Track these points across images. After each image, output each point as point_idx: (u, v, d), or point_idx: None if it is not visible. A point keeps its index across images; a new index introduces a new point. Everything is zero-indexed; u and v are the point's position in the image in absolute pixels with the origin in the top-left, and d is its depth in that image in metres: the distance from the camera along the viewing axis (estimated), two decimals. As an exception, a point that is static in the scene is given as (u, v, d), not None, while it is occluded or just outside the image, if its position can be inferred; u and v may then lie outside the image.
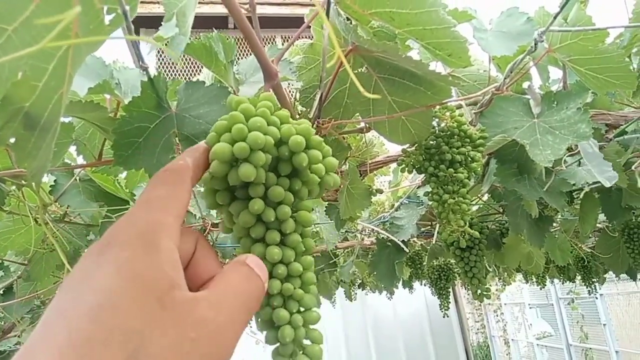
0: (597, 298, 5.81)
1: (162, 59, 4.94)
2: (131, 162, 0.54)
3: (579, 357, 6.47)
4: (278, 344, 0.39)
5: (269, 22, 5.12)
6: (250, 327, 0.98)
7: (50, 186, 0.88)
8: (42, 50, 0.40)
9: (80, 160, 0.80)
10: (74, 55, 0.42)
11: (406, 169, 0.83)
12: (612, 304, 5.97)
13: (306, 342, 0.40)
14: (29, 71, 0.40)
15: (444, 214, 0.82)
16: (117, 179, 0.94)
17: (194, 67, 4.97)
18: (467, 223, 0.83)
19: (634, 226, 1.58)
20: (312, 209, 0.91)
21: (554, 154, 0.72)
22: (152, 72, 0.55)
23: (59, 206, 0.93)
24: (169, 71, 5.01)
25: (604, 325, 5.90)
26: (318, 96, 0.71)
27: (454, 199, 0.80)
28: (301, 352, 0.40)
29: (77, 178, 0.90)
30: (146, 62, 0.56)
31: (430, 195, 0.83)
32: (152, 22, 4.42)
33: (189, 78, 0.57)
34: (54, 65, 0.41)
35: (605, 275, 2.69)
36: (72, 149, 0.80)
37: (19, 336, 1.55)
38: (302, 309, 0.41)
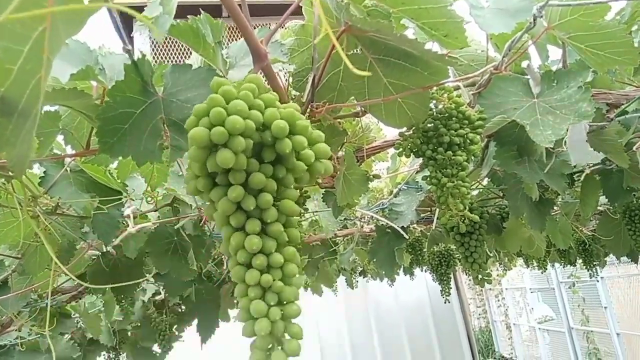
0: (598, 281, 5.83)
1: (155, 47, 4.89)
2: (117, 150, 0.52)
3: (580, 340, 6.51)
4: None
5: (262, 10, 5.06)
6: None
7: (40, 177, 0.86)
8: (15, 31, 0.38)
9: (69, 150, 0.79)
10: (50, 37, 0.41)
11: (404, 153, 0.81)
12: (613, 287, 5.98)
13: (287, 337, 0.38)
14: (2, 53, 0.38)
15: (443, 198, 0.80)
16: (109, 169, 0.92)
17: (188, 53, 4.92)
18: (467, 207, 0.81)
19: (635, 208, 1.56)
20: (308, 198, 0.89)
21: (555, 134, 0.71)
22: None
23: (49, 198, 0.91)
24: (162, 57, 4.96)
25: (605, 308, 5.93)
26: (311, 79, 0.69)
27: (452, 182, 0.78)
28: (280, 347, 0.37)
29: (68, 169, 0.87)
30: (139, 48, 0.54)
31: (428, 179, 0.81)
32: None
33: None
34: (30, 48, 0.39)
35: (605, 259, 2.68)
36: (60, 139, 0.78)
37: (18, 330, 1.54)
38: (281, 302, 0.39)
